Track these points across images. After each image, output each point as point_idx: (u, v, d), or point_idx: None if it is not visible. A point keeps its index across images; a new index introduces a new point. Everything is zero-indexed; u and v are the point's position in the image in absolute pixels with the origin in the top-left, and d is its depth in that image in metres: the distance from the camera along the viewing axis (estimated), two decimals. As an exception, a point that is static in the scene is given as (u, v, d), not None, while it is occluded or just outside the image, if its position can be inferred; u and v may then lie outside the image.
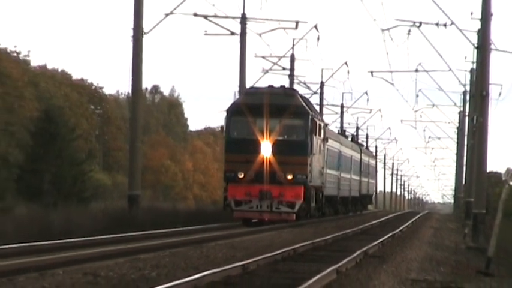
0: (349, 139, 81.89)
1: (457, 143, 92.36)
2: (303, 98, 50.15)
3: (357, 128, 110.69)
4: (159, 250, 26.68)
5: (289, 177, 43.75)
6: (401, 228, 50.60)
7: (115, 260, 23.08)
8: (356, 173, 76.90)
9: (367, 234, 42.95)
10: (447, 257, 31.33)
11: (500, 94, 62.99)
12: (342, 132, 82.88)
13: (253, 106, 44.41)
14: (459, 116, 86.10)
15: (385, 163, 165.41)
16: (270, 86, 49.39)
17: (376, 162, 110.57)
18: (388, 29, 49.40)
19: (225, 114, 46.02)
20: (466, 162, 73.56)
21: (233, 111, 45.26)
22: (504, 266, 26.62)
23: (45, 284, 17.22)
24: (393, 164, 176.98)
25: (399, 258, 29.17)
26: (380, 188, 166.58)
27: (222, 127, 46.59)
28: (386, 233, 41.95)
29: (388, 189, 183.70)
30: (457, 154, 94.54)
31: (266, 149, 43.89)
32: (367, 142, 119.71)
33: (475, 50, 45.38)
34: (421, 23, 47.28)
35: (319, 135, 50.37)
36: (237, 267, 21.31)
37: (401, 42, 53.68)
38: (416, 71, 67.61)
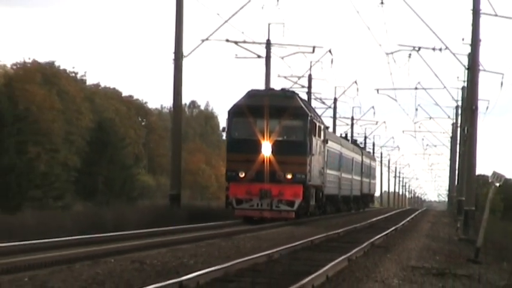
0: (351, 142, 78.61)
1: (451, 150, 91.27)
2: (303, 100, 44.55)
3: (365, 137, 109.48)
4: (196, 241, 26.37)
5: (289, 176, 38.65)
6: (402, 222, 49.70)
7: (158, 250, 22.84)
8: (357, 174, 71.90)
9: (373, 228, 41.91)
10: (442, 247, 30.88)
11: (487, 108, 61.79)
12: (345, 136, 78.19)
13: (254, 107, 39.31)
14: (452, 127, 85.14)
15: (389, 167, 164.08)
16: (271, 89, 46.90)
17: (379, 164, 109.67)
18: (391, 53, 48.68)
19: (226, 115, 40.88)
20: (458, 166, 72.44)
21: (234, 113, 40.01)
22: (490, 254, 26.10)
23: (99, 271, 17.12)
24: (396, 168, 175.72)
25: (401, 248, 28.66)
26: (385, 188, 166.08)
27: (223, 128, 41.55)
28: (390, 227, 41.05)
29: (391, 189, 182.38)
30: (450, 159, 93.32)
31: (266, 149, 38.79)
32: (373, 150, 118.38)
33: (466, 71, 45.11)
34: (420, 48, 46.57)
35: (319, 136, 44.81)
36: (263, 256, 21.22)
37: (403, 64, 52.96)
38: (416, 88, 66.62)
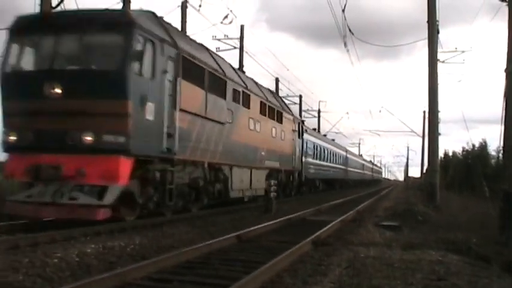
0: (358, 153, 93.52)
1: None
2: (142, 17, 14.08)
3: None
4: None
5: (89, 138, 12.62)
6: (390, 188, 70.39)
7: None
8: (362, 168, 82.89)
9: (381, 190, 57.75)
10: (403, 195, 42.71)
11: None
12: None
13: (44, 20, 14.05)
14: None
15: (382, 165, 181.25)
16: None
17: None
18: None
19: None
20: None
21: (14, 31, 13.93)
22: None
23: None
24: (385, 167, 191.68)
25: (390, 197, 41.68)
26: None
27: None
28: (387, 188, 61.14)
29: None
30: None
31: (50, 88, 12.67)
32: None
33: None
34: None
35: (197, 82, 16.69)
36: (333, 204, 26.74)
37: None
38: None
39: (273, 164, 26.13)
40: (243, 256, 9.57)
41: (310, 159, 37.92)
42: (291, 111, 31.63)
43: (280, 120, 27.51)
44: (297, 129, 31.94)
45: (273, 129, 26.16)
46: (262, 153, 24.03)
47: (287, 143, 29.22)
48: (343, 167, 58.80)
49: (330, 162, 48.90)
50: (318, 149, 42.27)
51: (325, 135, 55.91)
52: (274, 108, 26.29)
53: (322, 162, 43.81)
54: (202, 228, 13.78)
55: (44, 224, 12.91)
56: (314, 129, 47.15)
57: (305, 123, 39.14)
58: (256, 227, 13.43)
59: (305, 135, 36.10)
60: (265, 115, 24.59)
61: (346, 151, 63.96)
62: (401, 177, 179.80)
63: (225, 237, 11.30)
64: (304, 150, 35.01)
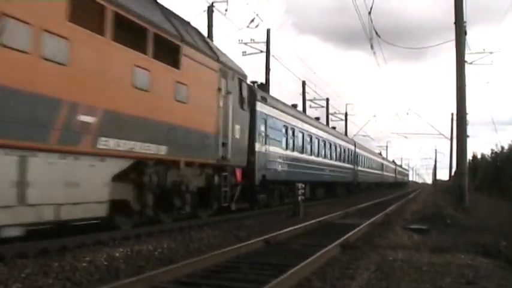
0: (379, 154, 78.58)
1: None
2: None
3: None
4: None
5: None
6: (418, 191, 67.30)
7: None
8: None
9: (409, 193, 57.79)
10: (431, 195, 46.54)
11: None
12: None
13: None
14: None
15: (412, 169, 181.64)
16: None
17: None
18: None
19: None
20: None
21: None
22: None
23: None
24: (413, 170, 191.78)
25: (418, 200, 42.78)
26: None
27: None
28: (414, 192, 58.79)
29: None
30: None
31: None
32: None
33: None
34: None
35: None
36: (360, 207, 29.16)
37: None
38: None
39: (144, 149, 12.64)
40: (271, 259, 9.61)
41: (276, 149, 24.41)
42: (216, 54, 16.88)
43: (174, 62, 14.05)
44: (236, 91, 18.25)
45: (145, 73, 12.62)
46: (88, 119, 10.70)
47: (202, 110, 15.56)
48: (350, 165, 44.69)
49: (326, 158, 35.50)
50: (299, 135, 28.79)
51: (349, 135, 54.75)
52: (146, 29, 12.83)
53: (307, 157, 30.30)
54: (230, 232, 13.90)
55: (72, 229, 12.08)
56: (294, 106, 31.96)
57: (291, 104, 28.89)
58: (284, 230, 13.49)
59: (261, 108, 22.49)
60: (101, 33, 11.22)
61: (355, 145, 48.90)
62: (429, 180, 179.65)
63: (253, 240, 11.39)
64: (261, 133, 22.41)
